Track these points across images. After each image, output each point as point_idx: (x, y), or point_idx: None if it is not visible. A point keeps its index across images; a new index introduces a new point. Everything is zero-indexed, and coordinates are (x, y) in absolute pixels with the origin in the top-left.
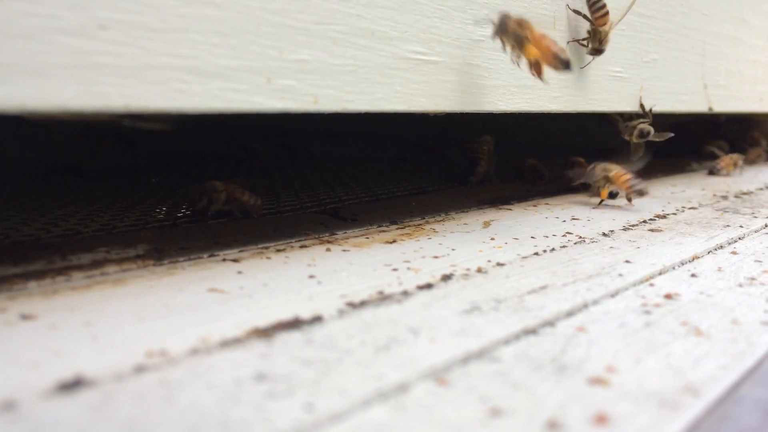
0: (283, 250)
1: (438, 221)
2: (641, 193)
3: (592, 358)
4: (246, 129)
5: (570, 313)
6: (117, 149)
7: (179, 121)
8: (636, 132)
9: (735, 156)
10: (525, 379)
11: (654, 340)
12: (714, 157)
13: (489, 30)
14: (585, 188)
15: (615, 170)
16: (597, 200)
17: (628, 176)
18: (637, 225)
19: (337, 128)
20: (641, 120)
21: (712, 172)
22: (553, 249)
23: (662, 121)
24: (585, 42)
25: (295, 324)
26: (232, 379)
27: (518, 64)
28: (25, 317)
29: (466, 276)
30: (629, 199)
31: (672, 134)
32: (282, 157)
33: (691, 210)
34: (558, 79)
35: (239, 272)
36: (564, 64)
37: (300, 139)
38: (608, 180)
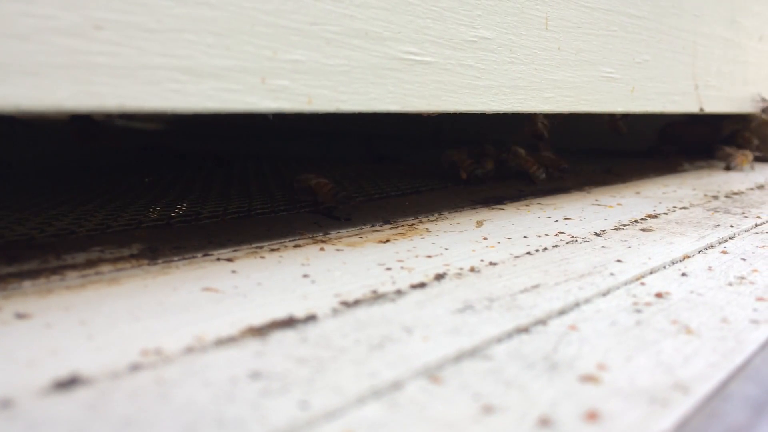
0: (277, 249)
1: (431, 221)
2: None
3: (583, 356)
4: (241, 128)
5: (562, 312)
6: (108, 148)
7: (173, 120)
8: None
9: (747, 153)
10: (517, 377)
11: (645, 338)
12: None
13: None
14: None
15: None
16: (590, 200)
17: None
18: (628, 225)
19: (330, 128)
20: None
21: (728, 168)
22: (545, 248)
23: (654, 121)
24: None
25: (289, 323)
26: (227, 377)
27: None
28: (20, 316)
29: (459, 275)
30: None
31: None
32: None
33: (683, 210)
34: (549, 80)
35: (233, 271)
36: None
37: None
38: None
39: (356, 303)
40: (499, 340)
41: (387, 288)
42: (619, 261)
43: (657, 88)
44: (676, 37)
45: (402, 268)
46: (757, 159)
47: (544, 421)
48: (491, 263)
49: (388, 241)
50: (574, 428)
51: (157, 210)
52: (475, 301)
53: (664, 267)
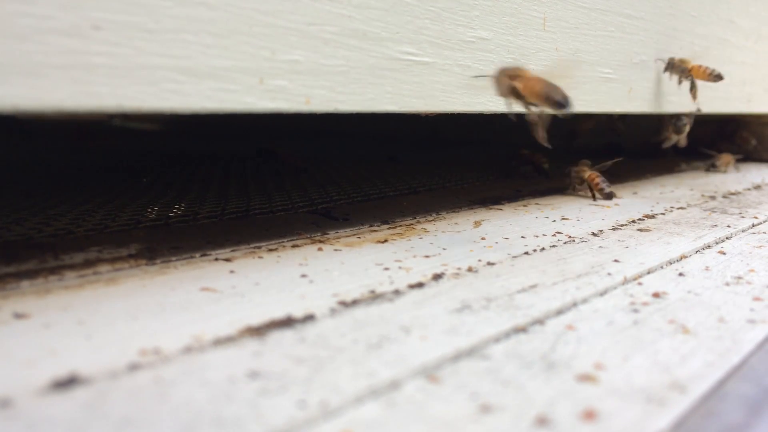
0: (275, 249)
1: (429, 221)
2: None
3: (580, 356)
4: (238, 129)
5: (559, 312)
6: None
7: (171, 120)
8: None
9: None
10: (515, 376)
11: (642, 337)
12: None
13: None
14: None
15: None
16: (588, 200)
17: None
18: (626, 225)
19: (328, 128)
20: None
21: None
22: (542, 248)
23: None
24: None
25: (287, 322)
26: (226, 376)
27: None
28: (18, 316)
29: (457, 275)
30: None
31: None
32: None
33: (680, 210)
34: None
35: (231, 271)
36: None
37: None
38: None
39: (354, 303)
40: (497, 339)
41: (385, 288)
42: (616, 261)
43: (654, 88)
44: (673, 38)
45: (400, 268)
46: (756, 159)
47: (542, 421)
48: (489, 263)
49: (386, 241)
50: (571, 427)
51: (155, 210)
52: (473, 301)
53: (662, 267)
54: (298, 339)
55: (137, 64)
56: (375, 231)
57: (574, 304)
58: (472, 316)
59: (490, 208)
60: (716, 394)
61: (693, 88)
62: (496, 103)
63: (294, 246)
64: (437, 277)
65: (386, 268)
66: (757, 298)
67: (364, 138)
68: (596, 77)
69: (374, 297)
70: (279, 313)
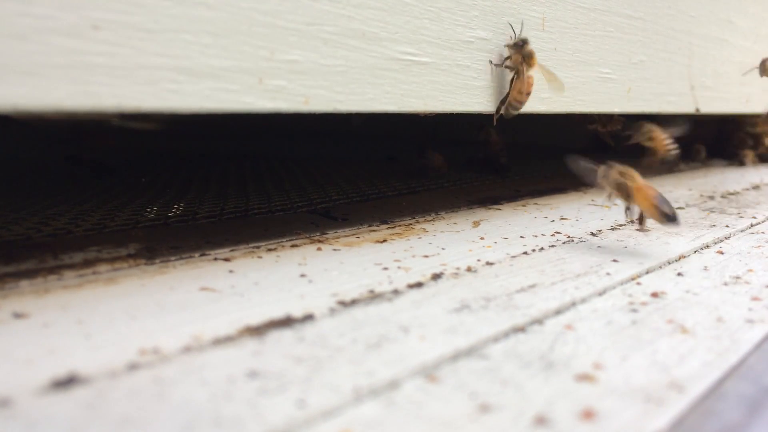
0: (275, 249)
1: (428, 221)
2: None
3: (579, 356)
4: (237, 129)
5: (558, 312)
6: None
7: (171, 120)
8: None
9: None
10: (513, 376)
11: (640, 337)
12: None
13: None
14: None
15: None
16: (586, 200)
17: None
18: (624, 225)
19: (327, 128)
20: None
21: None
22: (542, 248)
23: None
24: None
25: (286, 322)
26: (225, 376)
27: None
28: (17, 316)
29: (455, 275)
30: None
31: None
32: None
33: (678, 210)
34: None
35: (231, 271)
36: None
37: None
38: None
39: (353, 302)
40: (496, 339)
41: (384, 288)
42: (615, 261)
43: (653, 88)
44: (672, 38)
45: (399, 267)
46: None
47: (540, 420)
48: (488, 263)
49: (385, 241)
50: (569, 427)
51: (154, 210)
52: (472, 300)
53: (660, 267)
54: (297, 339)
55: (136, 64)
56: (374, 231)
57: (573, 304)
58: (471, 316)
59: (489, 208)
60: (715, 393)
61: None
62: (495, 103)
63: (293, 246)
64: (436, 276)
65: (385, 268)
66: (755, 298)
67: (363, 138)
68: (595, 77)
69: (373, 297)
70: (278, 313)
